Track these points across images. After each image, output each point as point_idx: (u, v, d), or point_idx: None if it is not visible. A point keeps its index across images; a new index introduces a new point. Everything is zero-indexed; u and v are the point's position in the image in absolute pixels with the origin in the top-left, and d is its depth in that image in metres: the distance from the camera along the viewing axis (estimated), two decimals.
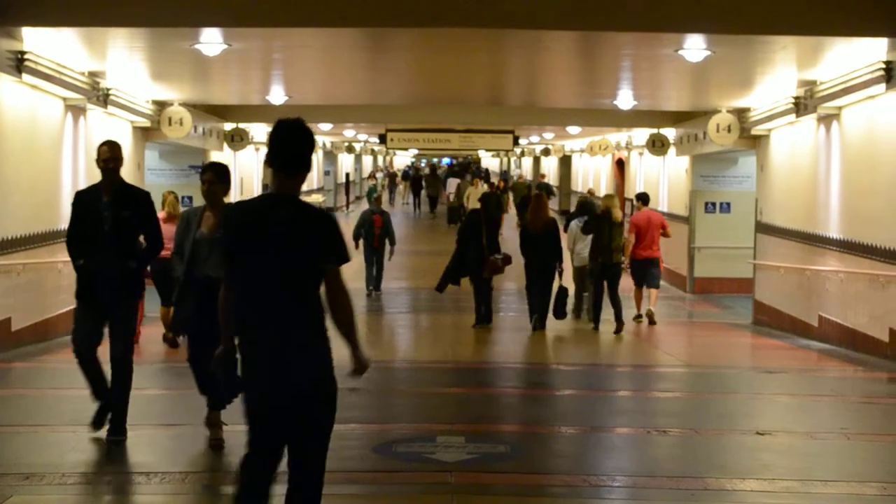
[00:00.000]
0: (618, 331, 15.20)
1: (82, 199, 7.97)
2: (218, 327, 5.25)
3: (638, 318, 16.68)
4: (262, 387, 4.85)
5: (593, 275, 15.72)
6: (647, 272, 16.75)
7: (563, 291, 15.24)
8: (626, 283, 16.65)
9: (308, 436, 4.91)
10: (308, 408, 4.86)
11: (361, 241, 19.69)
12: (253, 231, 4.90)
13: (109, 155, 7.93)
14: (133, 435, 7.80)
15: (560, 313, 15.27)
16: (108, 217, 7.68)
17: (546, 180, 45.38)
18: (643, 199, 17.81)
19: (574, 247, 16.62)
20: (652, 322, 16.53)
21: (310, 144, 5.04)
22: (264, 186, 29.89)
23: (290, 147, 4.98)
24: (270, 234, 4.85)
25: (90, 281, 7.73)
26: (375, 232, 19.72)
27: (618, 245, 15.48)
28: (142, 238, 8.02)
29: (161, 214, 14.40)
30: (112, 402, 7.69)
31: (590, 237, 15.69)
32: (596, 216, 15.80)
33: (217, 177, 7.90)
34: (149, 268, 14.89)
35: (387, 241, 19.79)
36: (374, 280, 19.99)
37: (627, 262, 16.63)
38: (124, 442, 7.60)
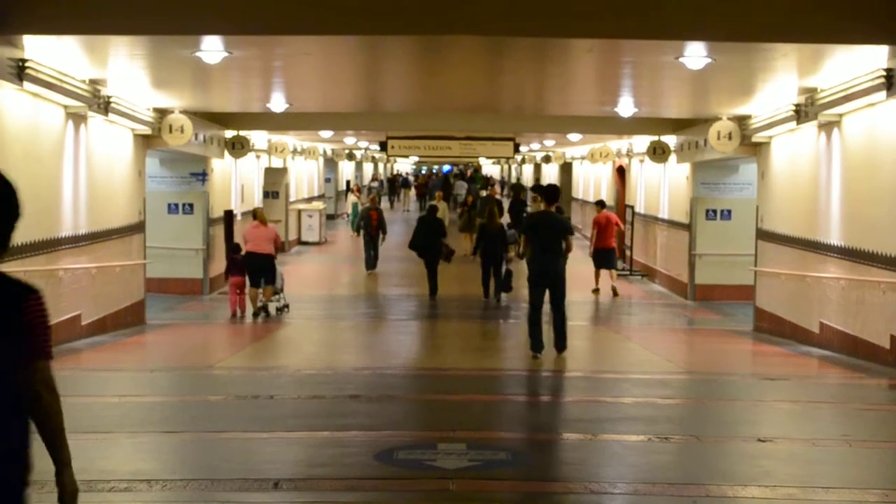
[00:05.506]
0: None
1: None
2: None
3: (595, 290, 22.53)
4: (544, 274, 12.65)
5: None
6: (606, 258, 22.92)
7: (508, 272, 20.19)
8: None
9: (559, 286, 12.77)
10: (560, 278, 12.78)
11: (362, 233, 25.89)
12: (540, 223, 12.86)
13: None
14: (134, 442, 7.78)
15: (507, 288, 20.14)
16: None
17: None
18: (601, 204, 24.78)
19: None
20: (615, 294, 22.15)
21: (556, 192, 13.42)
22: (265, 193, 30.74)
23: (547, 191, 13.35)
24: (545, 225, 12.77)
25: None
26: (373, 224, 25.67)
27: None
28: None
29: (254, 223, 18.39)
30: None
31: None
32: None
33: None
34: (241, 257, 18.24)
35: (381, 232, 25.74)
36: (371, 262, 26.05)
37: (591, 251, 23.20)
38: None
